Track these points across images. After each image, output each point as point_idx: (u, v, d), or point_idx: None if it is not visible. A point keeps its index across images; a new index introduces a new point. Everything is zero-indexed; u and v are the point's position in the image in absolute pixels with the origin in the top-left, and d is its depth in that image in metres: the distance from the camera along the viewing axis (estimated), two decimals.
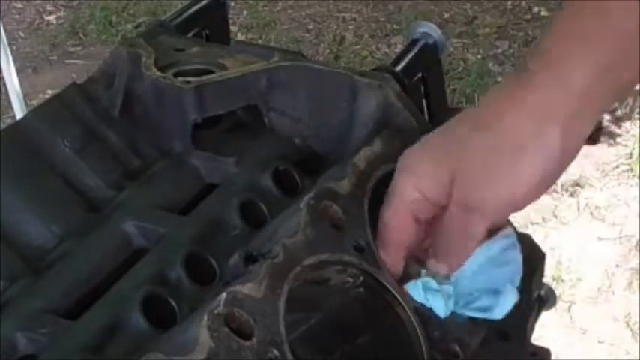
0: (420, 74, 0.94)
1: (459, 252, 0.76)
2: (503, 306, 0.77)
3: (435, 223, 0.75)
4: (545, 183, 0.72)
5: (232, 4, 1.05)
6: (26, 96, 2.89)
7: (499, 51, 3.58)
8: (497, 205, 0.73)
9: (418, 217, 0.75)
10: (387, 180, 0.79)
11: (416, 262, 0.77)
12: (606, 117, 3.15)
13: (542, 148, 0.70)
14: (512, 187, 0.72)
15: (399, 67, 0.91)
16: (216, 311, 0.61)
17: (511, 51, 3.57)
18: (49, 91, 3.17)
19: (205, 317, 0.61)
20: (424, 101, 0.95)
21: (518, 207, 0.73)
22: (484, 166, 0.72)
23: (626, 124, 3.14)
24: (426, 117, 0.93)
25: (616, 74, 0.70)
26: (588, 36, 0.70)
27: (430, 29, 0.96)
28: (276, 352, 0.63)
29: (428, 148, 0.75)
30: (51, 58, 3.70)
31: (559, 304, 2.41)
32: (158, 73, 0.88)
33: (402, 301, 0.74)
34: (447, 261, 0.76)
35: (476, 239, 0.75)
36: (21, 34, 3.84)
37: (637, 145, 3.01)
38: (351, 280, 0.73)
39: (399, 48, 3.33)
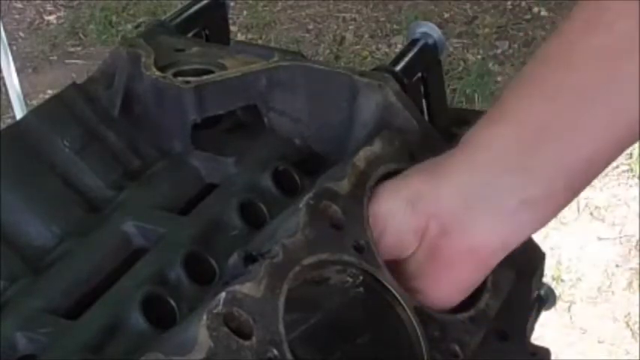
0: (419, 74, 0.94)
1: None
2: None
3: None
4: None
5: (232, 4, 1.05)
6: (26, 96, 2.88)
7: (499, 51, 3.58)
8: None
9: None
10: (386, 180, 0.79)
11: None
12: None
13: None
14: None
15: (398, 67, 0.91)
16: (215, 311, 0.61)
17: (511, 51, 3.57)
18: (49, 91, 3.17)
19: (205, 317, 0.61)
20: (424, 101, 0.95)
21: None
22: None
23: None
24: (426, 117, 0.93)
25: None
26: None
27: (430, 29, 0.96)
28: (275, 351, 0.63)
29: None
30: (51, 58, 3.70)
31: (559, 304, 2.41)
32: (158, 73, 0.88)
33: (401, 301, 0.74)
34: None
35: None
36: (21, 34, 3.84)
37: (637, 145, 3.01)
38: (350, 279, 0.73)
39: (399, 48, 3.32)
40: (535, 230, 0.76)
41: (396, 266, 0.76)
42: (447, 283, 0.77)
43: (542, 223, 0.75)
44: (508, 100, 0.75)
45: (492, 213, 0.74)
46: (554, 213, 0.75)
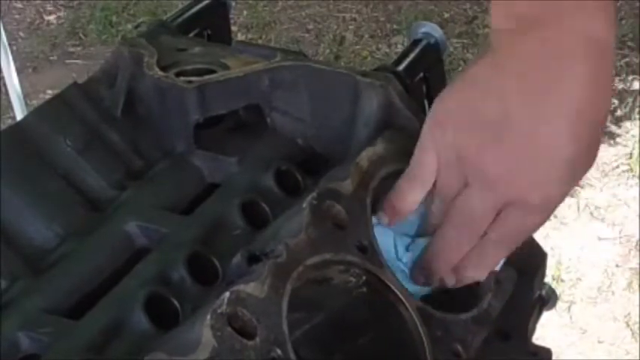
0: (421, 74, 0.94)
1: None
2: None
3: None
4: None
5: (233, 4, 1.05)
6: (26, 96, 2.88)
7: None
8: None
9: None
10: (389, 180, 0.79)
11: None
12: None
13: None
14: None
15: (401, 67, 0.91)
16: (219, 311, 0.61)
17: None
18: (49, 91, 3.17)
19: (208, 317, 0.61)
20: (426, 101, 0.95)
21: None
22: None
23: (626, 124, 3.14)
24: None
25: None
26: None
27: (431, 29, 0.96)
28: (279, 351, 0.63)
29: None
30: (51, 58, 3.69)
31: (559, 304, 2.40)
32: (160, 72, 0.88)
33: (404, 301, 0.74)
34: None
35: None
36: (21, 34, 3.84)
37: (637, 145, 3.01)
38: (353, 279, 0.73)
39: (400, 48, 3.33)
40: None
41: None
42: None
43: None
44: None
45: None
46: None
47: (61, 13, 3.97)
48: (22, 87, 2.75)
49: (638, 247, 2.67)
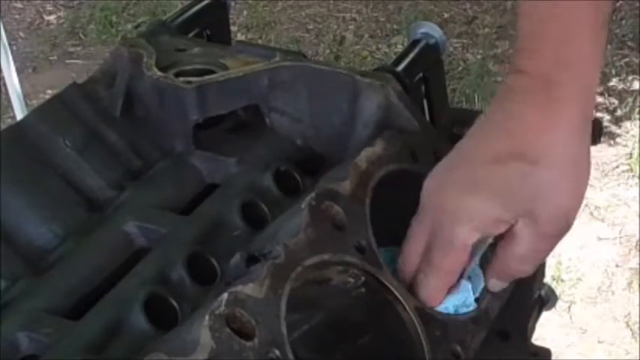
0: (421, 74, 0.94)
1: None
2: None
3: None
4: None
5: (233, 4, 1.05)
6: (26, 96, 2.88)
7: (499, 51, 3.57)
8: None
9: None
10: (388, 180, 0.79)
11: None
12: (606, 117, 3.16)
13: None
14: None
15: (400, 68, 0.91)
16: (217, 312, 0.61)
17: (511, 51, 3.57)
18: (49, 91, 3.17)
19: (207, 318, 0.61)
20: (425, 101, 0.95)
21: None
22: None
23: (626, 124, 3.14)
24: (427, 117, 0.93)
25: None
26: None
27: (431, 29, 0.96)
28: (277, 352, 0.63)
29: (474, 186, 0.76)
30: (51, 58, 3.69)
31: (559, 304, 2.40)
32: (159, 73, 0.88)
33: (403, 301, 0.74)
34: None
35: None
36: (21, 34, 3.84)
37: (637, 145, 3.01)
38: (352, 280, 0.73)
39: (399, 48, 3.33)
40: None
41: None
42: None
43: None
44: None
45: None
46: None
47: (61, 13, 3.97)
48: (22, 87, 2.75)
49: (638, 247, 2.67)
